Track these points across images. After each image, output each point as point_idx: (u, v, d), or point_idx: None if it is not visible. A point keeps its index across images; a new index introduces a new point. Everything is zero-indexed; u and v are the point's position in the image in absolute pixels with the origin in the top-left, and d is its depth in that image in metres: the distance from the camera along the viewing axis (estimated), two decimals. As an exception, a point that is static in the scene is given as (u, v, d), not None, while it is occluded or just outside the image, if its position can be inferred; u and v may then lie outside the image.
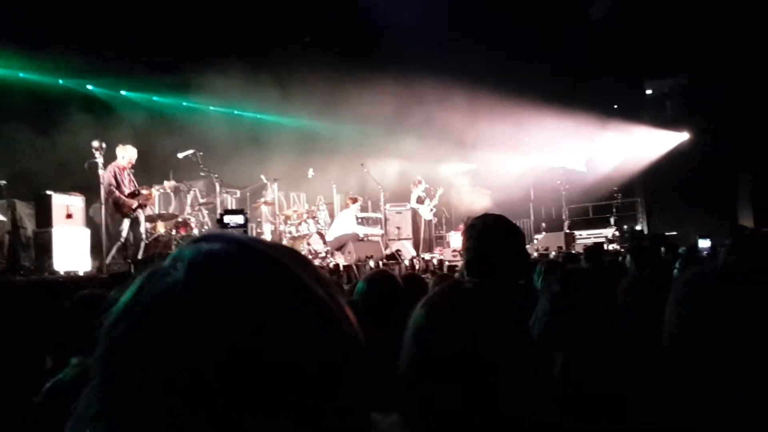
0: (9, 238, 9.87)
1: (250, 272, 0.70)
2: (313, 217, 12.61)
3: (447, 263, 12.03)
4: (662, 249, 9.34)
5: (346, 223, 12.69)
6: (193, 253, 0.72)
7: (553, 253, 12.44)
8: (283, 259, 0.74)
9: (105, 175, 9.26)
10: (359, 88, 14.38)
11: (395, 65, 14.57)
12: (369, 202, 14.97)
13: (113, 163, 9.53)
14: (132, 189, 9.88)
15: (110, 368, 0.68)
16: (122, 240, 9.64)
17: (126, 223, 9.77)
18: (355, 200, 12.99)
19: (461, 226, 14.49)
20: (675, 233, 14.31)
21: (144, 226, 10.01)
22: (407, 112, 15.27)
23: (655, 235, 13.93)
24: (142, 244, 9.85)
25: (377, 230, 13.58)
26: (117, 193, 9.51)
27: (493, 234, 2.85)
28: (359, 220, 13.15)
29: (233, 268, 0.71)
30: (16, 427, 2.03)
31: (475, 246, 2.86)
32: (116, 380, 0.68)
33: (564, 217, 16.69)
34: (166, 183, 10.33)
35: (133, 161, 9.97)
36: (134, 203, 9.76)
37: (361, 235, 12.73)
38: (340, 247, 12.14)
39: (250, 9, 14.10)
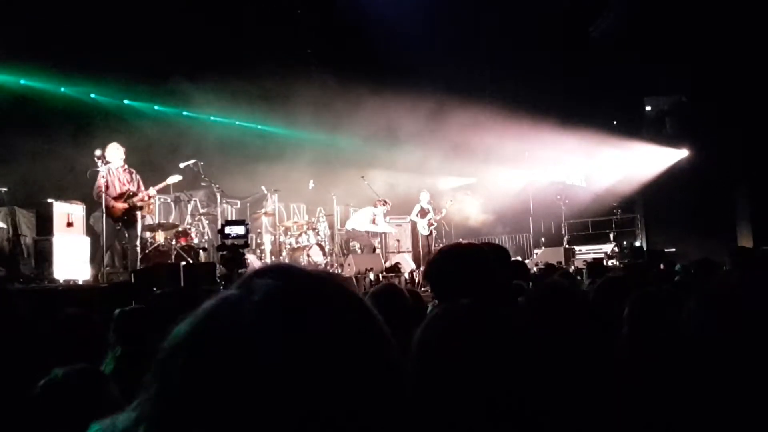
0: (9, 246, 9.85)
1: (336, 315, 0.73)
2: (313, 229, 12.62)
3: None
4: (661, 265, 9.35)
5: (363, 219, 12.94)
6: (268, 290, 0.74)
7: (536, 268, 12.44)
8: (352, 297, 0.77)
9: (97, 178, 9.22)
10: (360, 101, 14.44)
11: (396, 78, 14.63)
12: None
13: (106, 167, 9.35)
14: (123, 191, 9.64)
15: (174, 397, 0.70)
16: (109, 244, 9.45)
17: (112, 228, 9.47)
18: (385, 203, 13.23)
19: (461, 241, 14.50)
20: (674, 250, 14.32)
21: (138, 233, 9.77)
22: (407, 125, 15.31)
23: (653, 251, 13.94)
24: (137, 251, 9.67)
25: (390, 229, 13.79)
26: (105, 195, 9.25)
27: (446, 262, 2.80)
28: (371, 220, 13.30)
29: (320, 311, 0.73)
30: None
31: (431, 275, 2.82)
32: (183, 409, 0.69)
33: (563, 232, 16.71)
34: (169, 179, 10.15)
35: (122, 155, 9.70)
36: (124, 206, 9.50)
37: (367, 233, 12.97)
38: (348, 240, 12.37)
39: (251, 21, 14.17)
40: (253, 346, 0.69)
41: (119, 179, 9.64)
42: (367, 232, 13.07)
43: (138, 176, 9.91)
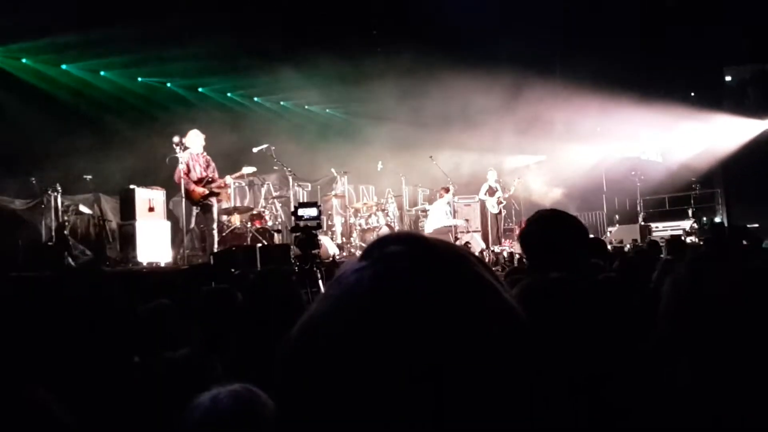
0: (95, 231, 10.34)
1: (462, 278, 0.73)
2: (383, 210, 12.69)
3: (517, 255, 11.93)
4: (743, 242, 8.99)
5: (439, 214, 12.98)
6: (412, 256, 0.73)
7: (628, 246, 12.17)
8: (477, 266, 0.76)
9: (178, 164, 9.48)
10: (428, 82, 14.38)
11: (465, 57, 14.47)
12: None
13: (185, 151, 9.60)
14: (203, 176, 9.91)
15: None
16: (189, 228, 9.72)
17: (194, 212, 9.81)
18: (447, 190, 13.17)
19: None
20: (757, 225, 13.71)
21: (216, 216, 10.04)
22: (476, 104, 15.15)
23: (735, 227, 13.40)
24: (215, 234, 9.99)
25: (461, 222, 13.66)
26: (186, 179, 9.52)
27: (544, 227, 2.78)
28: (448, 213, 13.27)
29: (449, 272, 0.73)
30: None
31: (528, 241, 2.81)
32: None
33: (639, 209, 16.25)
34: (244, 169, 10.46)
35: (202, 141, 9.99)
36: (204, 191, 9.80)
37: (453, 227, 12.94)
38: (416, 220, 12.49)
39: (316, 4, 14.26)
40: (415, 311, 0.68)
41: (199, 164, 9.96)
42: (448, 227, 13.06)
43: (213, 164, 10.21)
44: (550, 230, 2.68)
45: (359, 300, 0.70)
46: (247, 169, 10.40)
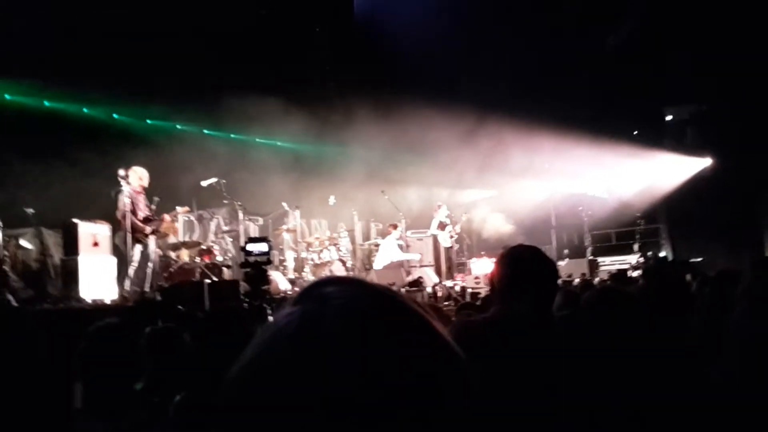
0: (37, 266, 9.98)
1: (389, 312, 0.73)
2: (335, 244, 12.65)
3: (470, 290, 11.98)
4: (687, 276, 9.21)
5: (390, 250, 12.91)
6: (341, 301, 0.73)
7: (576, 280, 12.35)
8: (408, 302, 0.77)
9: (122, 201, 9.30)
10: (379, 116, 14.48)
11: (416, 93, 14.67)
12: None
13: (128, 187, 9.43)
14: (147, 214, 9.76)
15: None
16: (134, 265, 9.49)
17: (137, 249, 9.58)
18: (395, 226, 13.21)
19: (483, 254, 14.46)
20: (701, 259, 14.12)
21: (154, 252, 9.86)
22: (428, 140, 15.33)
23: (679, 261, 13.77)
24: (148, 272, 9.72)
25: (416, 256, 13.62)
26: (132, 218, 9.36)
27: (526, 265, 2.85)
28: (400, 246, 13.29)
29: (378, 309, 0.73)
30: None
31: (507, 276, 2.85)
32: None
33: (587, 243, 16.57)
34: (178, 208, 10.33)
35: (146, 182, 9.83)
36: (148, 229, 9.63)
37: (405, 261, 12.91)
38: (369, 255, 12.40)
39: (268, 39, 14.31)
40: (345, 355, 0.68)
41: (141, 202, 9.76)
42: (399, 262, 13.07)
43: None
44: (521, 266, 2.73)
45: (287, 341, 0.70)
46: (181, 209, 10.37)
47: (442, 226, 14.36)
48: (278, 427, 0.67)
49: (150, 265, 9.69)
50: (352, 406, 0.66)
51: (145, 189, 9.88)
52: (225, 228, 11.60)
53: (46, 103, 12.71)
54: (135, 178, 9.62)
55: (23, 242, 10.02)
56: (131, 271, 9.39)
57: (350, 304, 0.72)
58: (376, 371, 0.68)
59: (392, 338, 0.70)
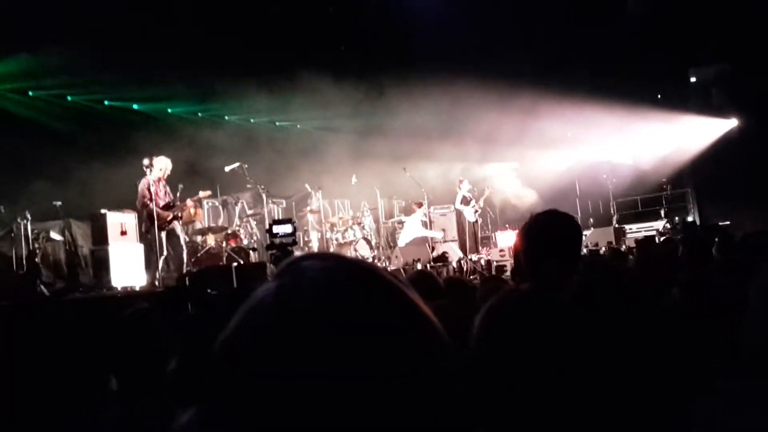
0: (67, 257, 10.18)
1: (376, 289, 0.75)
2: (359, 224, 12.69)
3: (495, 263, 11.97)
4: (716, 239, 9.07)
5: (414, 228, 13.07)
6: (320, 271, 0.75)
7: (603, 249, 12.27)
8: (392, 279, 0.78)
9: (139, 189, 9.42)
10: (398, 93, 14.42)
11: (434, 67, 14.57)
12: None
13: (147, 176, 9.52)
14: (167, 201, 9.85)
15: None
16: (164, 253, 9.64)
17: (163, 236, 9.69)
18: (420, 204, 13.25)
19: (507, 226, 14.41)
20: (728, 223, 13.92)
21: (182, 238, 9.97)
22: (447, 114, 15.24)
23: (707, 226, 13.58)
24: (184, 256, 9.88)
25: (439, 233, 13.64)
26: (151, 205, 9.43)
27: (548, 234, 2.82)
28: (424, 224, 13.33)
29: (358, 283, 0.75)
30: None
31: (530, 248, 2.82)
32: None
33: (612, 211, 16.41)
34: (201, 193, 10.40)
35: (168, 171, 9.92)
36: (168, 215, 9.71)
37: (430, 238, 12.99)
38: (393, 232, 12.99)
39: (285, 21, 14.27)
40: (322, 325, 0.70)
41: (164, 190, 9.87)
42: (423, 238, 13.12)
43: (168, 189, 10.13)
44: (550, 231, 2.72)
45: (263, 312, 0.73)
46: (203, 193, 10.40)
47: (465, 200, 14.32)
48: (257, 396, 0.69)
49: (183, 250, 9.84)
50: (326, 375, 0.68)
51: (166, 178, 9.98)
52: (249, 211, 11.68)
53: (69, 98, 12.89)
54: (156, 168, 9.73)
55: (53, 234, 10.21)
56: (161, 259, 9.53)
57: (325, 276, 0.74)
58: (348, 341, 0.69)
59: (366, 309, 0.71)
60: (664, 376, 2.09)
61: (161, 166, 9.79)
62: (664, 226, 15.41)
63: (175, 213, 9.81)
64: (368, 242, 12.52)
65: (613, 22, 16.80)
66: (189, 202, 10.06)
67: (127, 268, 9.55)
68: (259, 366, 0.69)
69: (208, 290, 7.48)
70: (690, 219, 16.98)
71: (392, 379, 0.69)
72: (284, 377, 0.68)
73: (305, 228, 12.57)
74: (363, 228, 12.67)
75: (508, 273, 9.51)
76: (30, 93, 12.26)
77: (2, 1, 10.16)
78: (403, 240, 13.28)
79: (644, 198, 17.82)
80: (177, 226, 9.88)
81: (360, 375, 0.68)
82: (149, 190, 9.44)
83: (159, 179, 9.78)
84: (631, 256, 8.77)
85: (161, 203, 9.69)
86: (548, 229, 2.78)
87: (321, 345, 0.68)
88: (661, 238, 13.67)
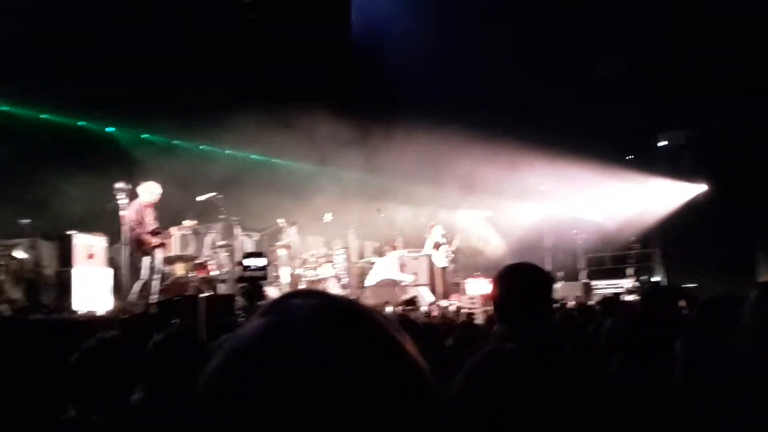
0: (31, 277, 9.93)
1: (365, 332, 0.74)
2: (330, 261, 12.63)
3: (464, 310, 11.96)
4: (680, 302, 9.16)
5: (383, 269, 13.07)
6: (310, 310, 0.74)
7: (572, 303, 12.35)
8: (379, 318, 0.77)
9: (128, 212, 9.25)
10: (377, 136, 14.55)
11: (413, 114, 14.77)
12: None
13: (138, 200, 9.46)
14: (154, 227, 9.81)
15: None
16: (144, 278, 9.55)
17: (146, 261, 9.66)
18: (395, 247, 13.30)
19: (478, 274, 14.46)
20: (694, 285, 14.14)
21: (159, 266, 9.90)
22: (424, 159, 15.39)
23: (673, 287, 13.77)
24: (156, 283, 9.75)
25: (409, 277, 13.59)
26: (138, 230, 9.41)
27: (524, 283, 2.86)
28: (397, 266, 13.31)
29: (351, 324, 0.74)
30: None
31: (504, 296, 2.85)
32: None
33: (581, 266, 16.58)
34: (186, 222, 10.35)
35: (157, 196, 9.90)
36: (155, 241, 9.68)
37: (399, 281, 13.01)
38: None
39: (267, 55, 14.41)
40: (311, 363, 0.69)
41: (152, 215, 9.78)
42: (392, 281, 13.10)
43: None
44: (521, 284, 2.74)
45: (252, 350, 0.71)
46: (188, 222, 10.32)
47: (437, 245, 14.36)
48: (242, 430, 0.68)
49: (155, 277, 9.70)
50: (312, 413, 0.66)
51: (155, 203, 9.90)
52: (220, 243, 11.57)
53: (42, 116, 12.72)
54: (146, 192, 9.66)
55: (16, 253, 9.96)
56: (138, 283, 9.37)
57: (313, 315, 0.73)
58: (335, 380, 0.68)
59: (353, 350, 0.71)
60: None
61: (150, 190, 9.72)
62: (633, 284, 15.60)
63: (161, 240, 9.72)
64: (339, 281, 12.45)
65: (586, 83, 17.31)
66: (173, 230, 9.99)
67: (91, 292, 9.35)
68: (245, 406, 0.68)
69: (174, 320, 7.35)
70: (656, 279, 17.22)
71: (380, 423, 0.68)
72: (270, 417, 0.67)
73: (276, 263, 12.47)
74: (334, 266, 12.62)
75: (478, 320, 9.50)
76: (3, 108, 12.09)
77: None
78: (370, 280, 13.24)
79: (613, 255, 18.06)
80: (157, 253, 9.78)
81: (348, 417, 0.67)
82: (140, 215, 9.35)
83: (149, 204, 9.69)
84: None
85: (148, 229, 9.59)
86: (523, 279, 2.83)
87: (309, 386, 0.67)
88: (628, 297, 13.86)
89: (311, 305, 0.74)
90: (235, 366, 0.71)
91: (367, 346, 0.72)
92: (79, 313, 8.89)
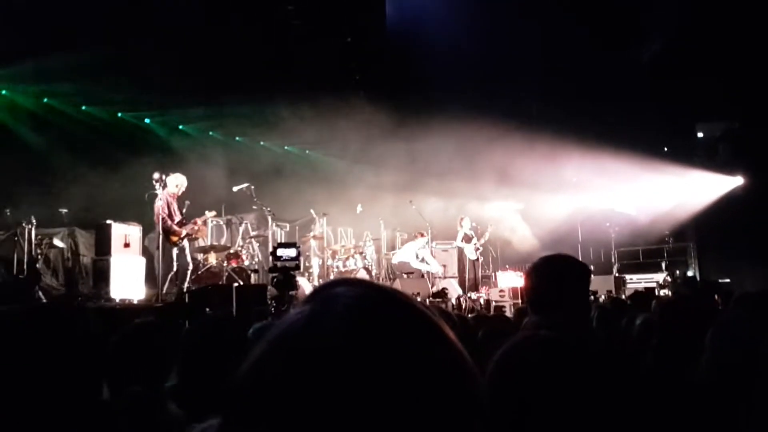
0: (68, 265, 10.17)
1: (405, 316, 0.74)
2: (360, 253, 12.69)
3: (494, 303, 11.95)
4: (716, 297, 9.04)
5: (408, 254, 13.31)
6: (352, 298, 0.74)
7: (602, 297, 12.25)
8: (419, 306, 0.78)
9: (157, 204, 9.43)
10: (410, 128, 14.53)
11: (446, 106, 14.71)
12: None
13: (165, 192, 9.57)
14: (180, 218, 9.94)
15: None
16: (175, 268, 9.70)
17: (175, 252, 9.81)
18: (422, 234, 13.27)
19: (508, 267, 14.41)
20: (728, 280, 13.91)
21: (189, 256, 10.03)
22: (459, 151, 15.34)
23: (707, 281, 13.56)
24: (188, 273, 9.92)
25: (436, 267, 13.56)
26: (168, 222, 9.55)
27: (560, 274, 2.83)
28: (419, 257, 13.32)
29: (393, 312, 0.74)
30: None
31: (539, 287, 2.84)
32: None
33: (613, 260, 16.41)
34: (207, 213, 10.46)
35: (183, 188, 10.02)
36: (183, 232, 9.81)
37: (419, 270, 13.17)
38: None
39: (302, 49, 14.47)
40: (352, 353, 0.69)
41: (176, 206, 9.92)
42: (417, 270, 13.20)
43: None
44: (557, 274, 2.74)
45: (295, 339, 0.71)
46: (209, 214, 10.49)
47: (467, 238, 14.33)
48: (284, 423, 0.68)
49: (187, 267, 9.87)
50: (355, 404, 0.67)
51: (178, 195, 10.04)
52: (253, 233, 11.70)
53: (84, 108, 12.98)
54: (173, 184, 9.79)
55: (56, 241, 10.22)
56: (170, 273, 9.53)
57: (358, 304, 0.73)
58: (380, 370, 0.68)
59: (398, 339, 0.71)
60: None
61: (177, 182, 9.85)
62: (664, 279, 15.38)
63: (189, 231, 9.86)
64: (368, 272, 12.50)
65: (626, 72, 17.02)
66: (198, 221, 10.12)
67: (127, 280, 9.54)
68: (289, 392, 0.68)
69: (207, 309, 7.47)
70: (690, 273, 16.96)
71: (423, 411, 0.68)
72: (314, 405, 0.67)
73: (307, 254, 12.56)
74: (365, 257, 12.67)
75: (507, 313, 9.48)
76: (45, 100, 12.36)
77: (25, 4, 10.27)
78: (396, 258, 13.58)
79: (646, 249, 17.82)
80: (186, 244, 9.92)
81: (392, 406, 0.67)
82: (169, 206, 9.49)
83: (174, 195, 9.83)
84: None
85: (176, 220, 9.75)
86: (559, 270, 2.80)
87: (353, 374, 0.67)
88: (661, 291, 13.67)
89: (355, 294, 0.74)
90: (279, 355, 0.71)
91: (412, 335, 0.72)
92: (115, 300, 9.08)
